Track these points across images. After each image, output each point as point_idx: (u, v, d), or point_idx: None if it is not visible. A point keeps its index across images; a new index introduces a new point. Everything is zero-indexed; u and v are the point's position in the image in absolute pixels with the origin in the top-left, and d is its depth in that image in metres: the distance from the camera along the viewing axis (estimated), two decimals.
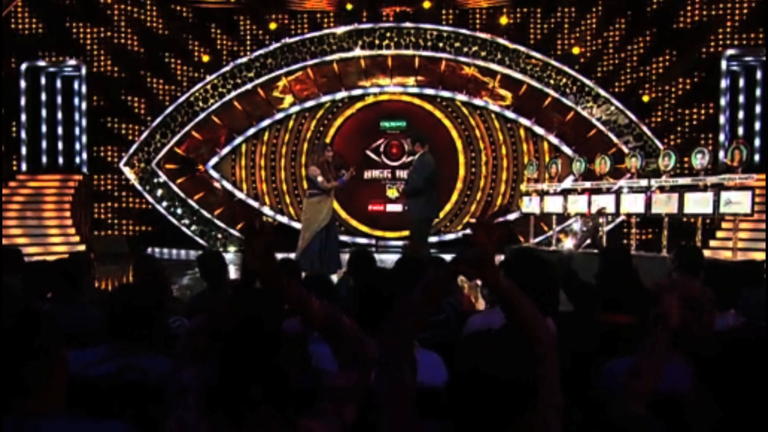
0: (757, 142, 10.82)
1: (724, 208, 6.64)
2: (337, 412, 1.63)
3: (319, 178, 7.96)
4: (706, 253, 6.42)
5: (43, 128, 12.13)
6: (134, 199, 12.30)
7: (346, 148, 11.63)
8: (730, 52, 10.75)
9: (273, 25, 12.41)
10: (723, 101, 10.84)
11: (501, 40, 11.52)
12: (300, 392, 1.66)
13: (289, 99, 12.05)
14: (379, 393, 1.66)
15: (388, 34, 11.72)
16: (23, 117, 11.90)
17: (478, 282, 4.33)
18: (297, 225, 9.92)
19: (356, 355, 1.73)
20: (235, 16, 12.67)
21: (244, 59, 11.87)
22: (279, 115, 12.06)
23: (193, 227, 11.91)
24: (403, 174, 11.37)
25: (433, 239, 10.28)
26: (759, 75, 10.98)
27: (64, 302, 3.43)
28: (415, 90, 11.93)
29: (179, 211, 11.91)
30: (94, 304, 3.30)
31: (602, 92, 11.17)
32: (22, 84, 11.85)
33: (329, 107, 12.15)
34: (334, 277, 6.99)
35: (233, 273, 5.78)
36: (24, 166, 11.99)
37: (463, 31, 11.70)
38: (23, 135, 11.94)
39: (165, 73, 12.44)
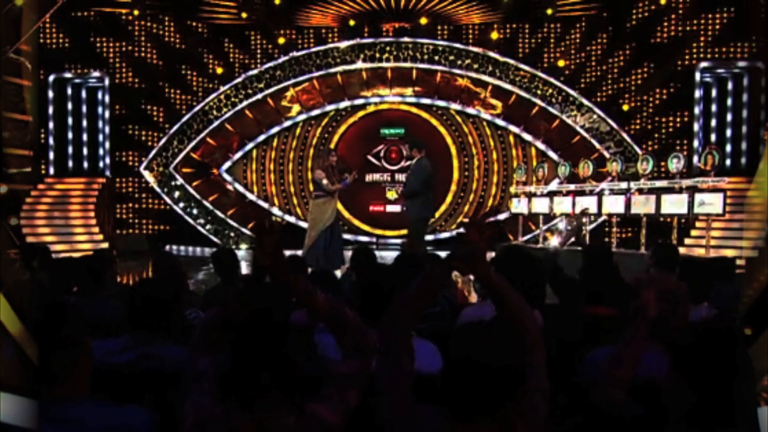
0: (728, 147, 10.80)
1: (697, 209, 6.63)
2: (341, 397, 1.63)
3: (324, 181, 7.95)
4: (681, 250, 6.42)
5: (70, 135, 12.12)
6: (153, 200, 12.30)
7: (348, 154, 11.63)
8: (703, 64, 10.75)
9: (281, 40, 12.41)
10: (697, 110, 10.83)
11: (492, 54, 11.53)
12: (306, 379, 1.66)
13: (296, 108, 12.05)
14: (379, 379, 1.66)
15: (387, 48, 11.72)
16: (51, 125, 11.89)
17: (471, 277, 4.34)
18: (303, 224, 9.91)
19: (358, 345, 1.73)
20: (247, 32, 12.67)
21: (255, 71, 11.87)
22: (287, 123, 12.05)
23: (208, 226, 11.91)
24: (401, 177, 11.36)
25: (429, 237, 10.27)
26: (730, 86, 10.98)
27: (89, 296, 3.41)
28: (413, 100, 11.92)
29: (195, 211, 11.91)
30: (117, 297, 3.29)
31: (585, 102, 11.18)
32: (50, 94, 11.84)
33: (333, 115, 12.15)
34: (338, 273, 6.97)
35: (245, 269, 5.77)
36: (52, 170, 11.98)
37: (457, 45, 11.71)
38: (51, 141, 11.93)
39: (182, 84, 12.44)
